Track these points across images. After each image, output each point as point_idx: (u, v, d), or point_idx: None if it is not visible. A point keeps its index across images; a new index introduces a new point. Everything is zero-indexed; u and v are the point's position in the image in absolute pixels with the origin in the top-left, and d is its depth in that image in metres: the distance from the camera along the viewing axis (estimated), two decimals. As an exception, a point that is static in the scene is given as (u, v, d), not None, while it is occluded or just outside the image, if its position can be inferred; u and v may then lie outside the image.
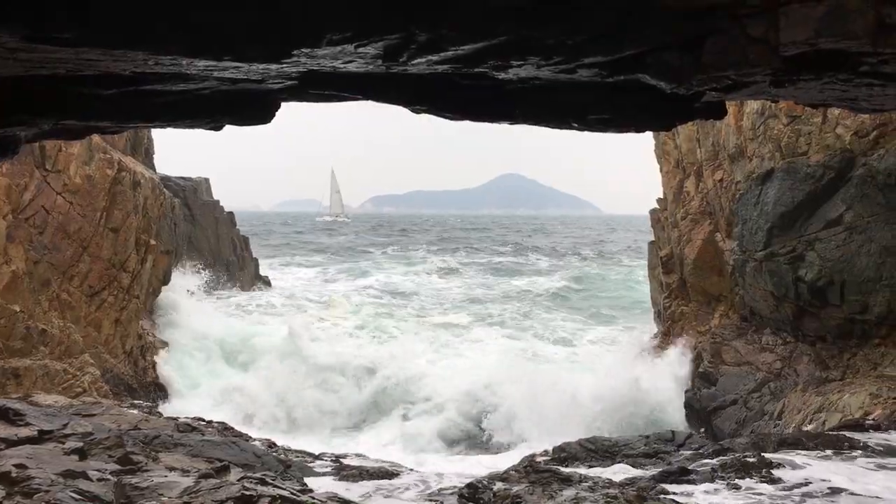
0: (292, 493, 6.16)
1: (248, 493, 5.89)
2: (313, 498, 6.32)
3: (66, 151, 18.83)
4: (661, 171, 21.19)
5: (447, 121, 7.88)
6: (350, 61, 5.71)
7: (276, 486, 6.24)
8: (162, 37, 5.02)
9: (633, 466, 9.44)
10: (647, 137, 21.94)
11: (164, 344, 22.70)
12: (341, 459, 10.90)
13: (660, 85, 5.99)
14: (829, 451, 9.73)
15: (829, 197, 15.50)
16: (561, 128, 7.79)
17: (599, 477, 8.22)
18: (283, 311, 31.95)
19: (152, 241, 21.61)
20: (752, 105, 16.84)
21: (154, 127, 12.70)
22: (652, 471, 9.01)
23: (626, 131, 7.95)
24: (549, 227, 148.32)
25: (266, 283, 39.07)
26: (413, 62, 5.59)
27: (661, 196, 21.35)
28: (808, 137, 15.83)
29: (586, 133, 8.12)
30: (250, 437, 11.44)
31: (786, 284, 16.18)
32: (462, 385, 21.77)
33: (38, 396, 12.77)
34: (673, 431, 11.01)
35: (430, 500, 7.53)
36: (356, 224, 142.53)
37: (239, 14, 4.86)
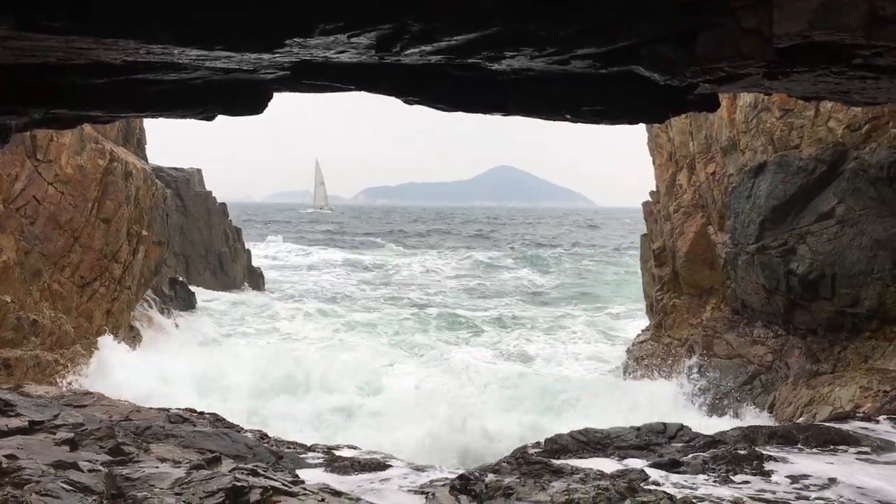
0: (284, 485, 6.15)
1: (239, 484, 5.88)
2: (305, 489, 6.31)
3: (57, 141, 18.71)
4: (653, 163, 21.22)
5: (440, 112, 7.86)
6: (343, 51, 5.68)
7: (267, 478, 6.22)
8: (157, 31, 4.99)
9: (625, 458, 9.45)
10: (640, 130, 22.03)
11: None
12: (333, 451, 10.87)
13: (653, 77, 5.99)
14: (819, 444, 9.77)
15: (820, 190, 15.55)
16: (554, 119, 7.77)
17: (591, 468, 8.22)
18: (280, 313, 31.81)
19: (144, 232, 21.53)
20: (745, 98, 16.86)
21: (146, 116, 12.63)
22: (643, 462, 9.03)
23: (619, 123, 7.94)
24: (541, 219, 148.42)
25: (259, 275, 39.01)
26: (406, 52, 5.57)
27: (654, 189, 21.38)
28: (801, 131, 15.87)
29: (579, 125, 8.13)
30: (242, 429, 11.41)
31: (777, 277, 16.23)
32: (451, 383, 21.11)
33: (28, 387, 12.70)
34: (664, 423, 11.00)
35: (422, 491, 7.53)
36: (347, 216, 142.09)
37: (239, 14, 4.83)
